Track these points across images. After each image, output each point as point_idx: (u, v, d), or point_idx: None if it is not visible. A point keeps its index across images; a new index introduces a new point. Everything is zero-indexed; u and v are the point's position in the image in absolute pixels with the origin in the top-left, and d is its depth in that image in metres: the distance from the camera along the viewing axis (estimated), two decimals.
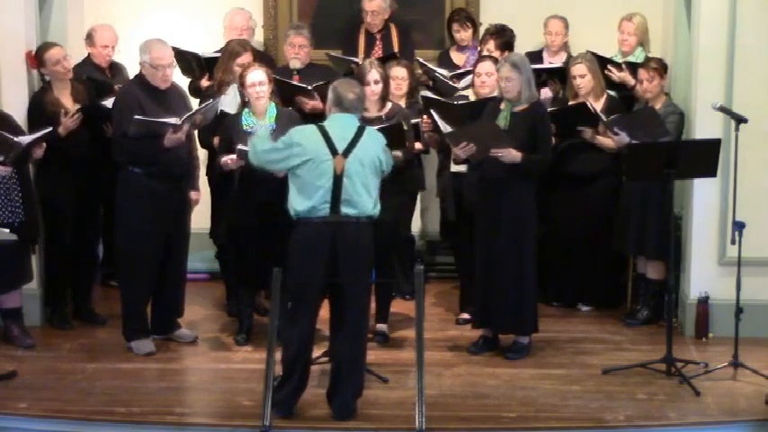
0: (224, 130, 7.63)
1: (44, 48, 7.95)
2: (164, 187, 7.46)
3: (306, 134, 6.42)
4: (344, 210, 6.29)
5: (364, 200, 6.32)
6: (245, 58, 7.98)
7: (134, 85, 7.58)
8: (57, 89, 7.91)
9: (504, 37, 8.64)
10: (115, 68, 8.61)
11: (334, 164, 6.27)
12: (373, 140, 6.44)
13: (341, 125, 6.39)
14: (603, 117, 8.10)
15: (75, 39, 8.60)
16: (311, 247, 6.32)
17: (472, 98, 8.08)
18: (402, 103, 8.01)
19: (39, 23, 8.22)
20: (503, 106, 7.41)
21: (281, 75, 8.33)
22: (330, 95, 6.49)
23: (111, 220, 7.92)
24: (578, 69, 8.24)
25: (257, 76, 7.48)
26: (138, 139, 7.31)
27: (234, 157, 7.35)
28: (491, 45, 8.59)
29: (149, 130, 7.30)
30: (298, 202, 6.35)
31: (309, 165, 6.29)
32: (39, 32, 8.18)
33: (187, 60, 8.47)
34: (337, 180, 6.26)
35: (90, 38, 8.49)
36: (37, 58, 7.92)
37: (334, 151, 6.29)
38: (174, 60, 7.58)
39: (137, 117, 7.27)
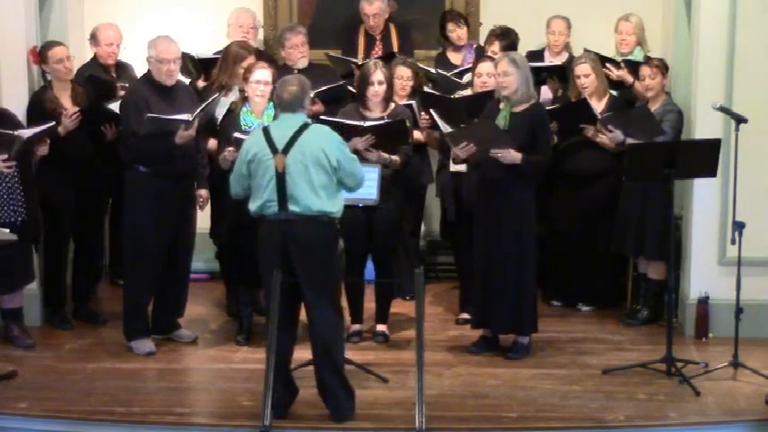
0: (223, 129, 7.64)
1: (48, 45, 7.96)
2: (170, 186, 7.47)
3: (251, 136, 6.65)
4: (291, 207, 6.36)
5: (308, 197, 6.34)
6: (250, 60, 7.97)
7: (141, 83, 7.59)
8: (56, 89, 7.91)
9: (508, 39, 8.65)
10: (121, 67, 8.60)
11: (275, 162, 6.36)
12: (318, 136, 6.44)
13: (283, 124, 6.49)
14: (599, 115, 8.11)
15: (76, 38, 8.60)
16: (265, 244, 6.44)
17: None
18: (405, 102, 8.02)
19: (39, 22, 8.21)
20: (502, 106, 7.40)
21: (282, 75, 8.30)
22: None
23: (117, 219, 7.90)
24: (583, 69, 8.24)
25: (262, 75, 7.57)
26: (148, 138, 7.31)
27: (231, 149, 7.36)
28: (496, 47, 8.59)
29: (161, 128, 7.30)
30: (251, 203, 6.50)
31: (256, 163, 6.42)
32: (39, 31, 8.17)
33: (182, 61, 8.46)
34: (280, 178, 6.36)
35: (94, 37, 8.48)
36: (40, 55, 7.92)
37: (274, 150, 6.39)
38: (180, 56, 7.57)
39: (150, 115, 7.27)
